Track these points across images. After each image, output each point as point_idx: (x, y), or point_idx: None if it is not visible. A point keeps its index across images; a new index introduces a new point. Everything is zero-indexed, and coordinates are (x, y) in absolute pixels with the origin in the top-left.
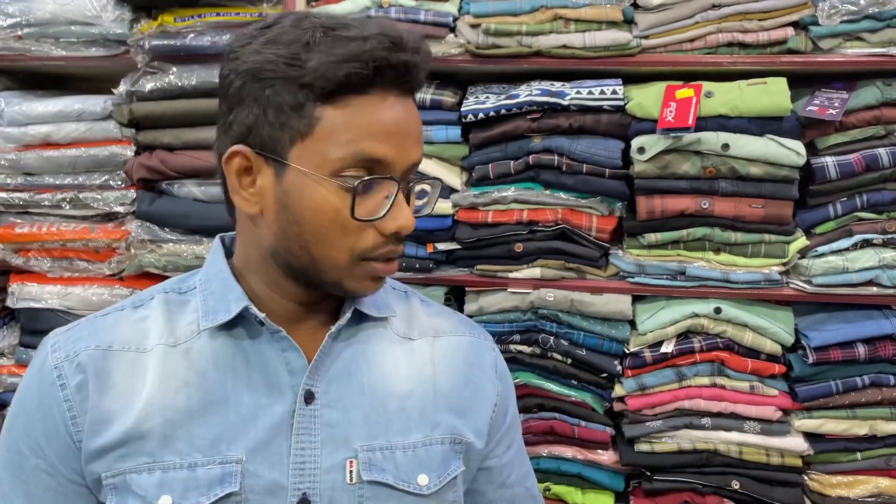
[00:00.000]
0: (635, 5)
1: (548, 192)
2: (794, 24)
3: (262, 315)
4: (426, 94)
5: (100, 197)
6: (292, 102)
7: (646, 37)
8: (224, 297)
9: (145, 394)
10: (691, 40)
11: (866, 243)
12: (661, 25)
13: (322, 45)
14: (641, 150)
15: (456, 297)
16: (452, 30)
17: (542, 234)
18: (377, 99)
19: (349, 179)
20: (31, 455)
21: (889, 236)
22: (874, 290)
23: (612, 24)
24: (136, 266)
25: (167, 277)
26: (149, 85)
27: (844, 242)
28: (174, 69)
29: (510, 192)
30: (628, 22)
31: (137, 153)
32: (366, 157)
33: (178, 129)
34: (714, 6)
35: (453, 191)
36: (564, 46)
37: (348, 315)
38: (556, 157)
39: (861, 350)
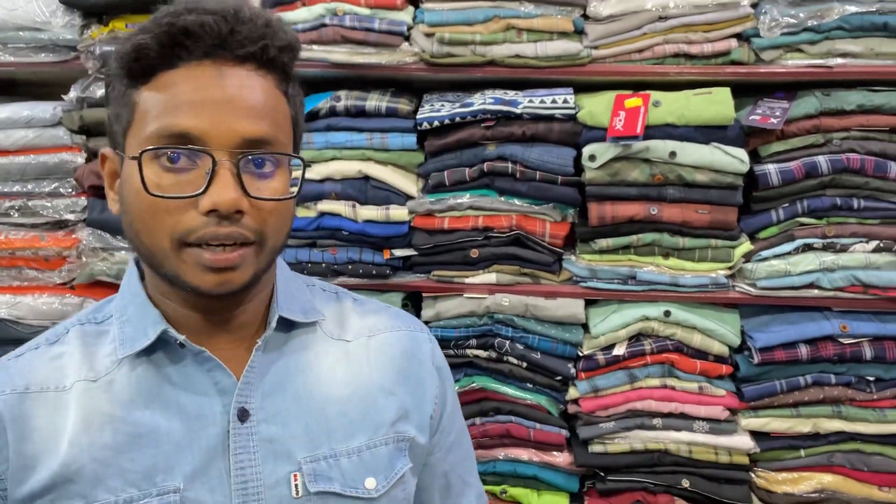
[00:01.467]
0: (585, 16)
1: (502, 198)
2: (738, 36)
3: (181, 337)
4: (382, 102)
5: (49, 205)
6: (119, 94)
7: (596, 47)
8: (141, 321)
9: (69, 434)
10: (639, 51)
11: (807, 247)
12: (610, 36)
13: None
14: (592, 157)
15: (413, 303)
16: (407, 38)
17: (497, 240)
18: (188, 71)
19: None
20: None
21: (828, 241)
22: (815, 292)
23: (563, 34)
24: (88, 275)
25: (119, 286)
26: (100, 91)
27: (786, 247)
28: None
29: (465, 198)
30: (579, 32)
31: (88, 160)
32: (172, 132)
33: None
34: (661, 18)
35: (409, 198)
36: (517, 56)
37: (273, 325)
38: (509, 165)
39: (803, 350)
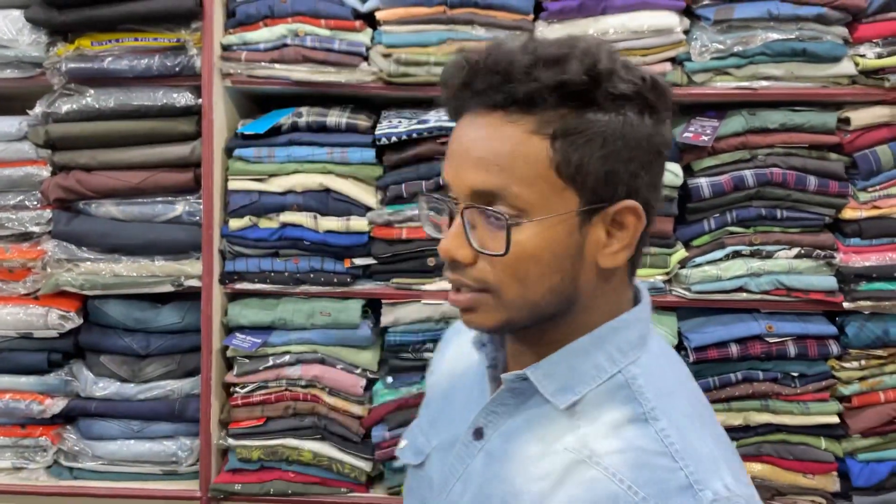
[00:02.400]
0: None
1: None
2: (672, 60)
3: (475, 337)
4: (342, 119)
5: (14, 217)
6: None
7: None
8: None
9: (441, 367)
10: None
11: (736, 254)
12: None
13: None
14: None
15: (373, 310)
16: (366, 58)
17: None
18: (460, 121)
19: None
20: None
21: (755, 248)
22: (744, 295)
23: None
24: (53, 285)
25: (84, 297)
26: (65, 106)
27: (718, 254)
28: (91, 91)
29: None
30: None
31: (53, 173)
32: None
33: (96, 150)
34: None
35: (368, 209)
36: None
37: (510, 376)
38: None
39: (734, 349)
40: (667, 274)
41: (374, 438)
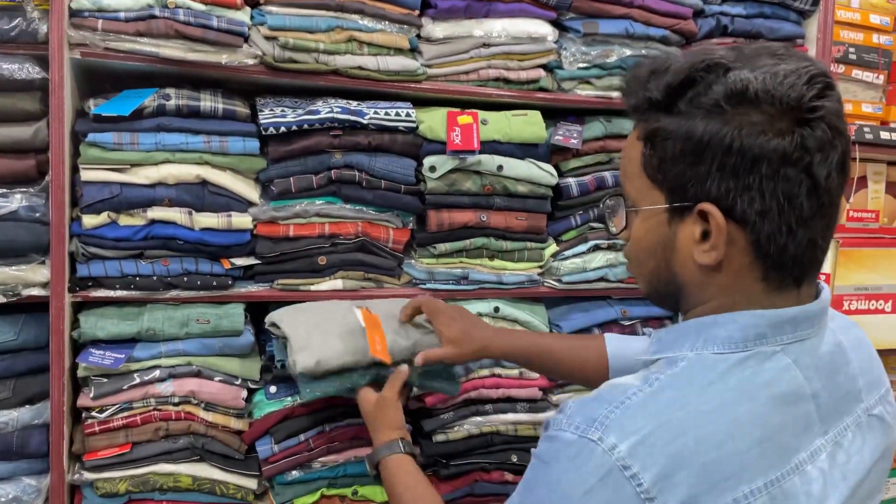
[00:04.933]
0: (419, 36)
1: (349, 206)
2: (544, 67)
3: None
4: (217, 104)
5: None
6: None
7: (430, 66)
8: None
9: None
10: (467, 73)
11: (597, 248)
12: (441, 57)
13: None
14: (433, 168)
15: (255, 314)
16: (246, 39)
17: (344, 247)
18: None
19: None
20: None
21: (612, 241)
22: (603, 284)
23: (399, 51)
24: None
25: None
26: None
27: (582, 247)
28: None
29: (314, 205)
30: (413, 50)
31: None
32: None
33: None
34: (485, 45)
35: (251, 204)
36: (360, 68)
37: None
38: (356, 173)
39: (596, 332)
40: (541, 267)
41: (260, 454)
